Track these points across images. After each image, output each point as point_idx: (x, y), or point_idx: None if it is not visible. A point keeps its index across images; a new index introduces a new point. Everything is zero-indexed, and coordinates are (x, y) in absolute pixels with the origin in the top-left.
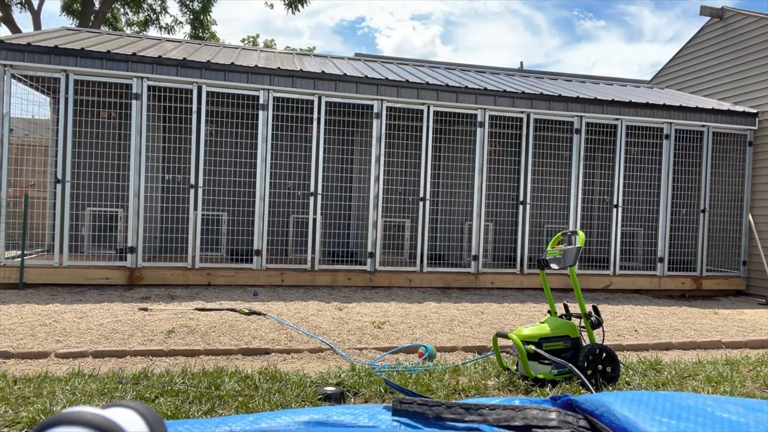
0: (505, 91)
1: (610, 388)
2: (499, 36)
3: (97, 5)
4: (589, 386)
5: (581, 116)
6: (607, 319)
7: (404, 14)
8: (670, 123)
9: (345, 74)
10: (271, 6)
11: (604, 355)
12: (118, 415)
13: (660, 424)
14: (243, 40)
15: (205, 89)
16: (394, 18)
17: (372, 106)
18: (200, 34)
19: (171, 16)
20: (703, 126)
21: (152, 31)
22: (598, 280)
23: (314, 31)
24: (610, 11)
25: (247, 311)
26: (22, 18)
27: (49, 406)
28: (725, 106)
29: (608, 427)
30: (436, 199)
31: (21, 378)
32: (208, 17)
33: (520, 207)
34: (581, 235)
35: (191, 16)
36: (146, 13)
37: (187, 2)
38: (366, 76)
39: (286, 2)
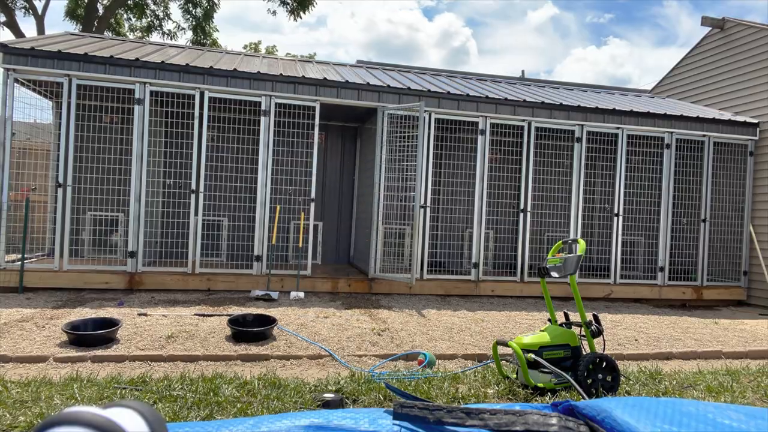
0: (506, 99)
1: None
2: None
3: (100, 11)
4: (587, 398)
5: (582, 125)
6: (608, 328)
7: (403, 13)
8: (671, 132)
9: (347, 81)
10: (274, 13)
11: (604, 364)
12: (118, 415)
13: (661, 430)
14: (245, 47)
15: (207, 95)
16: (393, 17)
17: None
18: (202, 41)
19: (174, 22)
20: (704, 136)
21: (155, 37)
22: (598, 289)
23: (296, 27)
24: (641, 14)
25: None
26: (26, 22)
27: (47, 411)
28: (726, 115)
29: None
30: (437, 206)
31: (19, 382)
32: (210, 24)
33: (521, 215)
34: (582, 243)
35: (194, 23)
36: (149, 19)
37: (190, 9)
38: (368, 83)
39: (289, 9)
